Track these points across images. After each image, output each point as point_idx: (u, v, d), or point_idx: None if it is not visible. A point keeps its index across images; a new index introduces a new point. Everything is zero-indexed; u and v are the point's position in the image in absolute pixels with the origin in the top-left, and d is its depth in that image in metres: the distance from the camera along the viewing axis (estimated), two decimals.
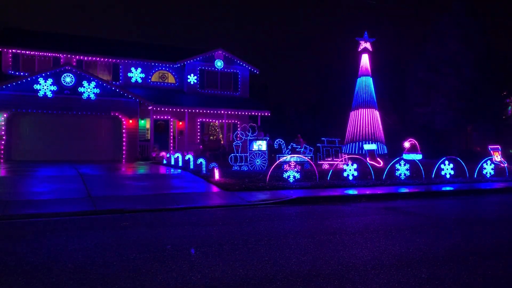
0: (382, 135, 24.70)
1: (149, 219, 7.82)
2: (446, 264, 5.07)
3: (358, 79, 25.49)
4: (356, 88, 25.49)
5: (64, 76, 20.91)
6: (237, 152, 16.85)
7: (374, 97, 25.09)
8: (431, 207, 9.96)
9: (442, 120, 28.05)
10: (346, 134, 25.23)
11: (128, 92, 22.52)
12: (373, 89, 25.17)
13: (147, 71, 26.93)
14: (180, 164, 18.09)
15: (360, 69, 25.54)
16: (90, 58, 25.63)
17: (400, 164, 14.49)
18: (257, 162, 16.93)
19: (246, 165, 16.71)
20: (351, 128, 24.91)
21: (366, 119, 24.40)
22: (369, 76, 25.20)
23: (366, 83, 25.10)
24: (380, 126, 24.84)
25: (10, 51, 24.00)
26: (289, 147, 17.93)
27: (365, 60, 25.43)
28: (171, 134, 26.68)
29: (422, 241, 6.21)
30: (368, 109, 24.59)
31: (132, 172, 16.50)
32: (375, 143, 22.91)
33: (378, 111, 25.17)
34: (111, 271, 4.65)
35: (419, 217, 8.52)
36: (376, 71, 26.09)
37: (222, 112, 26.19)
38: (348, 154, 21.72)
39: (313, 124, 44.78)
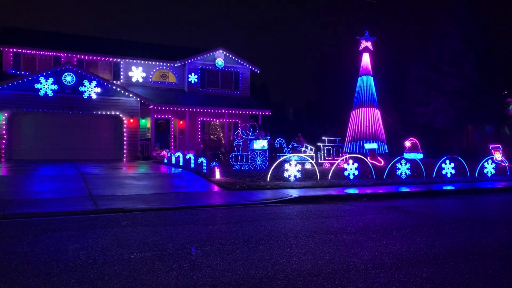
0: (383, 134, 24.70)
1: (150, 218, 7.82)
2: (447, 263, 5.07)
3: (359, 78, 25.48)
4: (357, 87, 25.50)
5: (65, 75, 20.93)
6: (238, 151, 16.85)
7: (375, 96, 25.08)
8: (432, 206, 9.95)
9: (443, 119, 28.01)
10: (347, 133, 25.22)
11: (129, 91, 22.53)
12: (374, 88, 25.16)
13: (148, 70, 26.93)
14: (181, 163, 18.10)
15: (361, 68, 25.53)
16: (91, 57, 25.64)
17: (401, 163, 14.48)
18: (258, 161, 16.93)
19: (247, 164, 16.71)
20: (352, 127, 24.92)
21: (367, 118, 24.41)
22: (370, 75, 25.19)
23: (367, 82, 25.09)
24: (381, 125, 24.83)
25: (11, 50, 24.02)
26: (290, 146, 17.93)
27: (366, 59, 25.42)
28: (172, 133, 26.68)
29: (423, 240, 6.21)
30: (369, 108, 24.60)
31: (132, 171, 16.50)
32: (376, 142, 22.91)
33: (379, 110, 25.16)
34: (112, 270, 4.65)
35: (420, 216, 8.51)
36: (377, 70, 26.08)
37: (223, 111, 26.18)
38: (349, 153, 21.72)
39: (314, 123, 44.79)
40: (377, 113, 24.76)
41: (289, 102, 56.47)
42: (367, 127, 23.98)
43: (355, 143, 24.12)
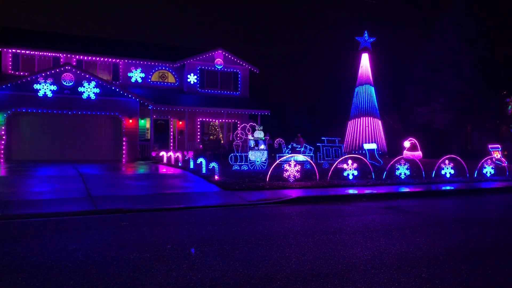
0: (382, 133, 24.75)
1: (149, 218, 7.81)
2: (446, 263, 5.07)
3: (359, 78, 25.51)
4: (357, 86, 25.53)
5: (64, 76, 20.91)
6: (237, 152, 16.85)
7: (375, 95, 25.13)
8: (432, 207, 9.96)
9: (442, 119, 28.05)
10: (346, 129, 25.28)
11: (128, 91, 22.52)
12: (373, 88, 25.20)
13: (147, 70, 26.92)
14: (180, 163, 18.10)
15: (360, 68, 25.56)
16: (90, 58, 25.62)
17: (400, 164, 14.49)
18: (257, 161, 16.92)
19: (246, 164, 16.71)
20: (351, 126, 24.99)
21: (366, 117, 24.52)
22: (369, 75, 25.22)
23: (366, 82, 25.12)
24: (380, 125, 24.87)
25: (10, 50, 23.99)
26: (289, 146, 17.93)
27: (365, 59, 25.45)
28: (171, 133, 26.67)
29: (422, 241, 6.21)
30: (369, 105, 24.76)
31: (132, 171, 16.49)
32: (374, 142, 22.93)
33: (379, 109, 25.20)
34: (111, 270, 4.65)
35: (420, 217, 8.51)
36: (376, 70, 26.11)
37: (222, 111, 26.18)
38: (349, 152, 21.73)
39: (313, 123, 44.80)
40: (376, 111, 24.87)
41: (288, 103, 56.42)
42: (367, 125, 24.27)
43: (354, 141, 24.17)
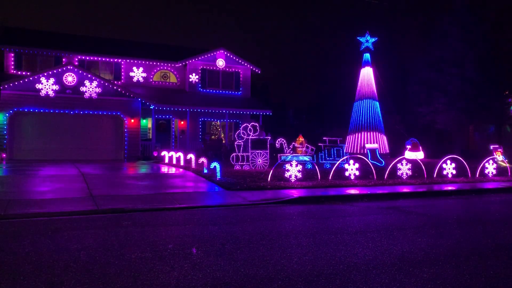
0: (383, 130, 24.76)
1: (151, 218, 7.82)
2: (448, 264, 5.06)
3: (360, 78, 25.48)
4: (358, 86, 25.51)
5: (66, 75, 20.96)
6: (239, 152, 16.85)
7: (376, 95, 25.10)
8: (433, 207, 9.94)
9: (444, 119, 27.98)
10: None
11: (129, 91, 22.55)
12: (374, 87, 25.19)
13: (148, 70, 26.95)
14: (182, 163, 18.11)
15: (361, 68, 25.53)
16: (92, 57, 25.66)
17: (402, 164, 14.47)
18: (259, 161, 16.93)
19: (248, 164, 16.71)
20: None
21: (368, 114, 24.57)
22: (370, 75, 25.19)
23: (367, 82, 25.10)
24: (381, 122, 24.89)
25: (12, 50, 24.04)
26: (291, 146, 17.91)
27: (366, 59, 25.42)
28: (173, 133, 26.70)
29: (424, 241, 6.20)
30: (370, 105, 24.74)
31: (133, 171, 16.51)
32: (376, 143, 22.91)
33: (379, 108, 25.20)
34: (113, 270, 4.66)
35: (421, 217, 8.50)
36: (378, 70, 26.07)
37: (224, 111, 26.19)
38: (350, 153, 21.72)
39: (315, 123, 44.79)
40: (377, 111, 24.87)
41: (290, 103, 56.50)
42: (368, 121, 24.30)
43: (355, 143, 24.16)
